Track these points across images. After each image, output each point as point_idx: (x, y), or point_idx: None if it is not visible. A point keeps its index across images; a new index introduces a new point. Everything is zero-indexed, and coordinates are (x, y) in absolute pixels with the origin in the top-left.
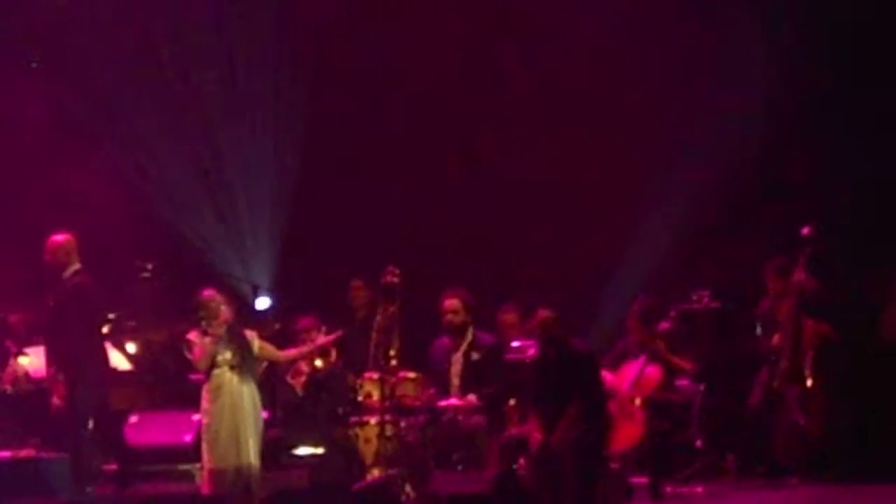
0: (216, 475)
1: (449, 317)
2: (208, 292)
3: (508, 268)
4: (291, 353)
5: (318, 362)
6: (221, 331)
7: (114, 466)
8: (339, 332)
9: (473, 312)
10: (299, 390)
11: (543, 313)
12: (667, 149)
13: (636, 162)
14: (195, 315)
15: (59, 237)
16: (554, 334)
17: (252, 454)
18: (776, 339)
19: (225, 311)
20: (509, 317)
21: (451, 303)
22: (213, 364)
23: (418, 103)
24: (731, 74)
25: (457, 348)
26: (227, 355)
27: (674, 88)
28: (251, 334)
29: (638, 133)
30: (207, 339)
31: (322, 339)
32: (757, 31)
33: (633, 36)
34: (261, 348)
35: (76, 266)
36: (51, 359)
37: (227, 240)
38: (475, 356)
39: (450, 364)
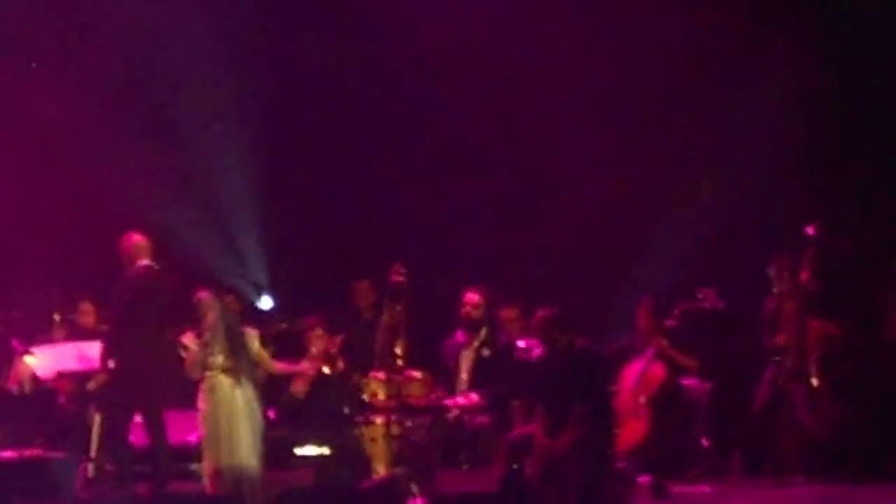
0: (213, 475)
1: (468, 309)
2: (198, 294)
3: (516, 266)
4: (282, 367)
5: (326, 369)
6: (208, 336)
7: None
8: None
9: (491, 311)
10: (300, 395)
11: (541, 312)
12: (678, 149)
13: (649, 160)
14: (193, 316)
15: (130, 237)
16: (551, 333)
17: (245, 455)
18: (780, 339)
19: (211, 315)
20: (510, 313)
21: (473, 297)
22: (205, 367)
23: (427, 100)
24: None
25: (469, 344)
26: (220, 359)
27: (685, 90)
28: (252, 334)
29: (652, 132)
30: (195, 345)
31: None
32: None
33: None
34: (258, 353)
35: (140, 263)
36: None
37: (226, 240)
38: (486, 352)
39: (459, 359)
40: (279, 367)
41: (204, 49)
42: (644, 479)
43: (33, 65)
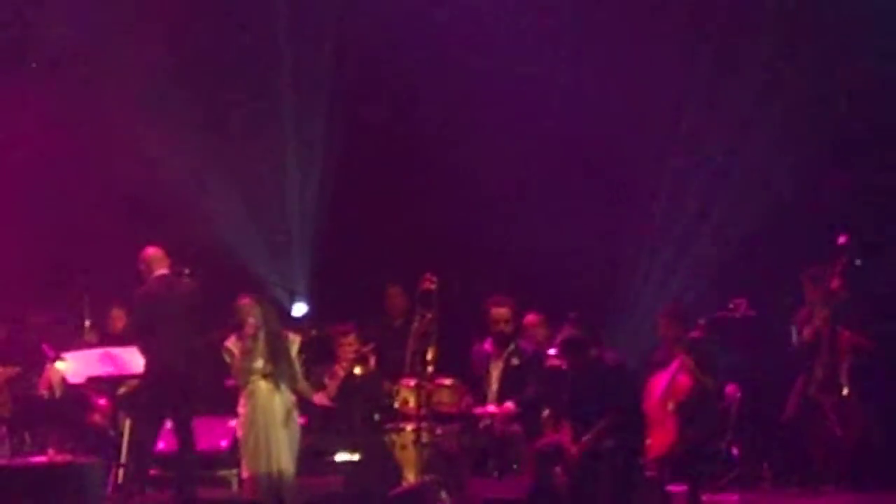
0: (249, 482)
1: (501, 325)
2: (240, 300)
3: (544, 276)
4: (304, 389)
5: (357, 370)
6: (249, 342)
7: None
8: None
9: (518, 320)
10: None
11: (560, 335)
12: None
13: (668, 168)
14: (234, 321)
15: (146, 249)
16: (572, 356)
17: (283, 461)
18: (807, 332)
19: (252, 321)
20: (533, 319)
21: (503, 312)
22: (249, 372)
23: (456, 111)
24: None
25: (499, 355)
26: (259, 364)
27: (700, 92)
28: (294, 338)
29: (667, 137)
30: (239, 351)
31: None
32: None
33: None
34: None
35: (157, 273)
36: None
37: (262, 245)
38: (515, 361)
39: (489, 369)
40: (302, 387)
41: (267, 58)
42: (674, 488)
43: (33, 64)
